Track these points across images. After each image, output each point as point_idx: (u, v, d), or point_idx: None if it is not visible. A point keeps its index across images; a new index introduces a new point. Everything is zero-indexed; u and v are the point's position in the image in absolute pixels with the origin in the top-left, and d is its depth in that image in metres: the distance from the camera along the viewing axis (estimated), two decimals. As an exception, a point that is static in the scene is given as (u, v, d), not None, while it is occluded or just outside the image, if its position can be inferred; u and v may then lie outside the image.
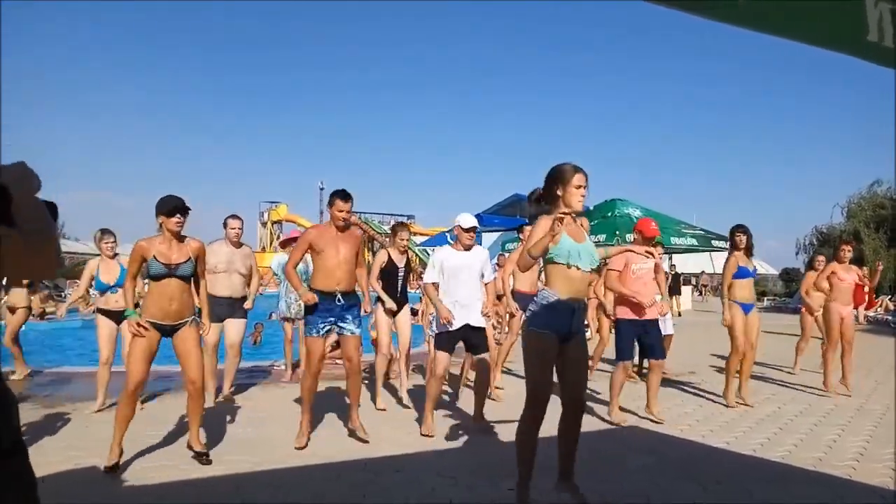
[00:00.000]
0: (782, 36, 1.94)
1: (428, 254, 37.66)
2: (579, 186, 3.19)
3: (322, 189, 51.15)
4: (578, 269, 3.21)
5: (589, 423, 5.35)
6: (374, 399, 6.03)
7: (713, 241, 13.71)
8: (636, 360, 5.70)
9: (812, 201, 70.27)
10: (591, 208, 13.94)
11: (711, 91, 79.33)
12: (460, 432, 5.04)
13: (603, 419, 5.51)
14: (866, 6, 1.92)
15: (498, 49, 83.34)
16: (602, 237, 11.88)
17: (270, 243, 45.68)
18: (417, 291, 7.56)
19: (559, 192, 3.22)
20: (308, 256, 4.80)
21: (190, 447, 4.25)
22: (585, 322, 4.50)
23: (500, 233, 19.66)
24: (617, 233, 11.86)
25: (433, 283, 5.00)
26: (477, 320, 4.93)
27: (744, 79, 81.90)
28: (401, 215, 49.35)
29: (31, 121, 69.89)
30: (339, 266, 4.53)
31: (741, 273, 6.08)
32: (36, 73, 67.92)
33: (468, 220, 5.00)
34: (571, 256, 3.17)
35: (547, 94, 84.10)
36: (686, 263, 24.03)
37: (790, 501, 3.66)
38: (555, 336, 3.17)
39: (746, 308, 6.09)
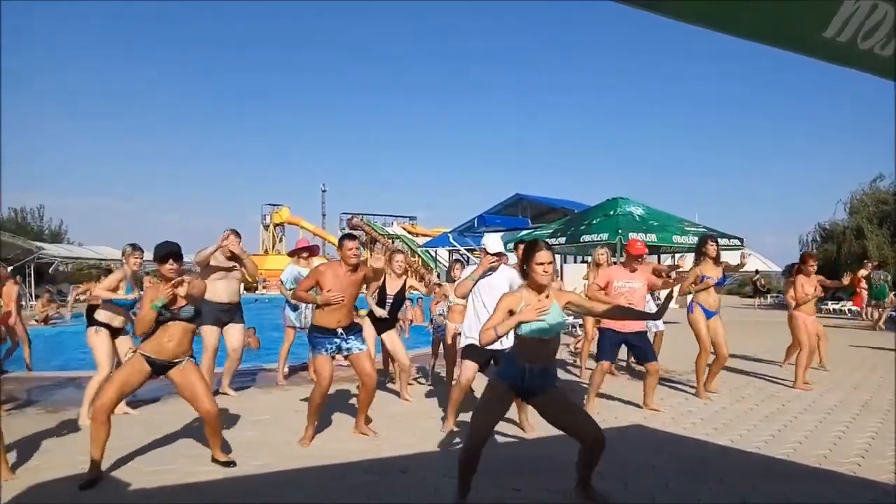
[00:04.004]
0: (732, 34, 1.89)
1: (430, 255, 37.67)
2: (540, 263, 3.40)
3: (324, 191, 51.24)
4: (541, 339, 3.40)
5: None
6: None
7: (717, 239, 13.67)
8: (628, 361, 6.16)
9: (814, 197, 70.19)
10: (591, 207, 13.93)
11: (712, 88, 79.23)
12: (464, 431, 5.04)
13: (609, 419, 5.51)
14: (844, 4, 1.87)
15: (500, 49, 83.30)
16: (604, 235, 11.86)
17: (273, 246, 45.71)
18: (415, 292, 7.54)
19: (526, 268, 3.46)
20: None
21: (215, 460, 4.26)
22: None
23: (501, 233, 19.65)
24: (619, 231, 11.84)
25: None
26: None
27: (745, 76, 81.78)
28: (403, 216, 49.36)
29: (31, 124, 70.07)
30: (339, 308, 4.73)
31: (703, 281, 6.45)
32: (36, 75, 67.91)
33: (494, 245, 5.10)
34: (533, 331, 3.37)
35: (550, 94, 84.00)
36: (688, 261, 23.93)
37: (794, 498, 3.65)
38: (508, 387, 3.42)
39: (709, 314, 6.47)
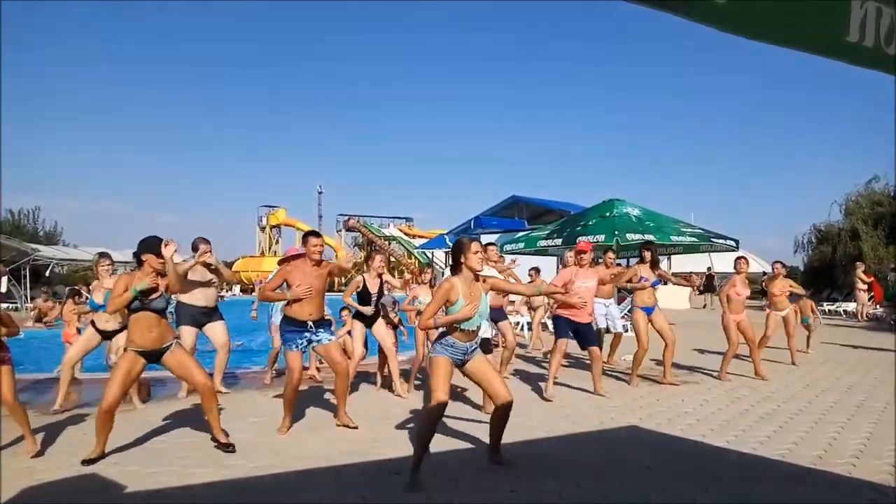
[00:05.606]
0: (759, 39, 1.92)
1: (427, 256, 37.65)
2: (476, 252, 3.92)
3: (321, 193, 51.15)
4: (467, 329, 3.94)
5: (591, 424, 5.38)
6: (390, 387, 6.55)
7: (713, 240, 13.70)
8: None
9: (810, 199, 70.12)
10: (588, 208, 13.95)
11: (712, 88, 79.32)
12: (460, 432, 5.04)
13: (605, 420, 5.52)
14: (852, 5, 1.91)
15: (498, 50, 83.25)
16: (601, 237, 11.87)
17: (269, 247, 45.65)
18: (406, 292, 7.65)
19: (462, 260, 3.93)
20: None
21: (215, 440, 4.53)
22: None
23: (498, 234, 19.66)
24: (616, 232, 11.85)
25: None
26: (484, 332, 5.18)
27: (742, 76, 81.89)
28: (399, 218, 49.37)
29: (31, 126, 69.82)
30: (309, 302, 4.99)
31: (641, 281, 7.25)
32: (35, 76, 67.63)
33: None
34: (469, 324, 3.90)
35: (546, 95, 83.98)
36: (685, 263, 23.95)
37: (791, 499, 3.66)
38: (450, 362, 3.97)
39: (648, 311, 7.23)
